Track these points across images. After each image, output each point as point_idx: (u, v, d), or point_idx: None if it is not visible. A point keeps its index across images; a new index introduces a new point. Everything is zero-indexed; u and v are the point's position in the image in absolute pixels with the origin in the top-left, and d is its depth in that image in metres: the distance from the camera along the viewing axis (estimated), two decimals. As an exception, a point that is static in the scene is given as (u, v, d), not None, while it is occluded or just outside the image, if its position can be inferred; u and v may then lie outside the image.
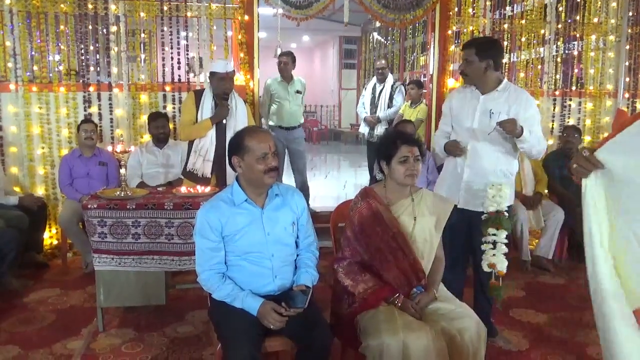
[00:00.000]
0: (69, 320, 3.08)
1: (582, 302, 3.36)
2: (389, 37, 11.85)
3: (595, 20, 5.18)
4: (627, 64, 5.26)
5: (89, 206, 2.75)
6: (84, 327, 2.98)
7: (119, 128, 4.30)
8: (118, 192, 2.89)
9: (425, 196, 2.29)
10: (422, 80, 6.37)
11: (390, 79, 5.46)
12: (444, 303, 2.16)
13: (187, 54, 4.49)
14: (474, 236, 2.67)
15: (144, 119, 4.30)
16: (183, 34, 4.38)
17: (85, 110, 4.25)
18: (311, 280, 2.13)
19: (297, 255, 2.21)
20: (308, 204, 4.87)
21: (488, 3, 4.83)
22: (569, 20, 5.14)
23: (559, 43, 5.16)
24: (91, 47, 4.47)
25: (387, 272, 2.16)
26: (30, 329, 2.96)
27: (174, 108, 4.40)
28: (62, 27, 4.14)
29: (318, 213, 4.63)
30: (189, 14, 4.30)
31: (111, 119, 4.31)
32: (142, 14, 4.22)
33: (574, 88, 5.38)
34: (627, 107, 5.30)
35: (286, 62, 5.14)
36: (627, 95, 5.32)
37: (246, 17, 4.35)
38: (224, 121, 3.48)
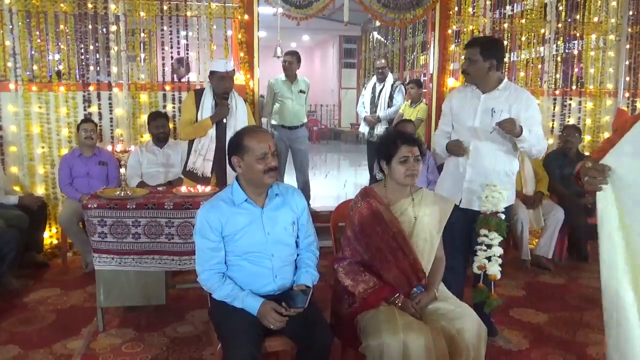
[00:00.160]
0: (69, 320, 3.08)
1: (582, 302, 3.34)
2: (388, 37, 11.84)
3: (596, 19, 5.17)
4: (627, 63, 5.26)
5: (89, 206, 2.74)
6: (84, 327, 2.98)
7: (118, 127, 4.30)
8: (118, 192, 2.89)
9: (426, 196, 2.29)
10: (422, 80, 6.38)
11: (390, 78, 5.45)
12: (444, 303, 2.16)
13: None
14: (474, 236, 2.66)
15: (143, 118, 4.30)
16: (183, 33, 4.37)
17: (85, 110, 4.25)
18: (311, 280, 2.13)
19: (297, 255, 2.21)
20: (309, 204, 4.88)
21: (488, 2, 4.83)
22: (569, 20, 5.14)
23: (559, 42, 5.16)
24: (91, 47, 4.46)
25: (387, 272, 2.16)
26: (30, 329, 2.96)
27: (173, 107, 4.40)
28: (61, 26, 4.14)
29: (318, 213, 4.63)
30: (188, 13, 4.30)
31: (111, 118, 4.31)
32: (142, 14, 4.22)
33: (574, 87, 5.38)
34: (627, 107, 5.30)
35: (291, 61, 5.12)
36: (627, 94, 5.33)
37: (246, 17, 4.35)
38: (224, 120, 3.48)
